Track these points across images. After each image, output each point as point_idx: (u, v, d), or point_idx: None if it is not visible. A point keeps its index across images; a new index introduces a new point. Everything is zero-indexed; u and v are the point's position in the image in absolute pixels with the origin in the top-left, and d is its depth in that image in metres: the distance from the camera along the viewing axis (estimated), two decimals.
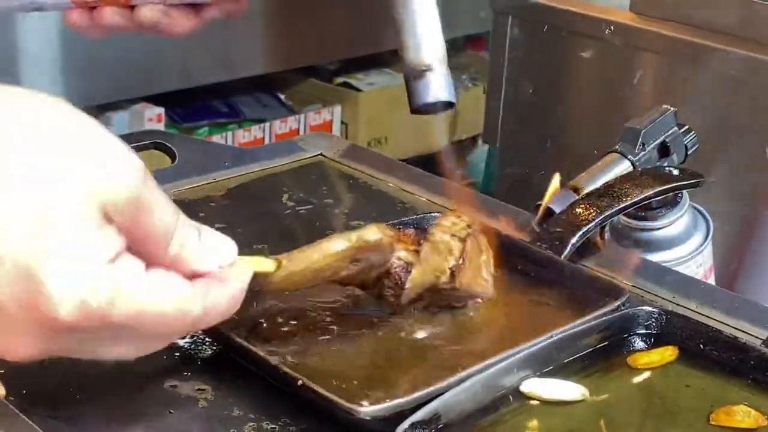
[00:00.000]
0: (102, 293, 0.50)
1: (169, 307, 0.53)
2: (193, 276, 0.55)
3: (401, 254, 0.68)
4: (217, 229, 0.86)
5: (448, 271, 0.70)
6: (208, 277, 0.56)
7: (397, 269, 0.68)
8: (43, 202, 0.50)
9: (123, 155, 0.53)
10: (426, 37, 0.72)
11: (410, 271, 0.68)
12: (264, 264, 0.63)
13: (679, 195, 0.90)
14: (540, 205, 0.84)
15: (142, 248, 0.53)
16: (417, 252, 0.69)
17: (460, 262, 0.70)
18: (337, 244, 0.65)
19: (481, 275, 0.72)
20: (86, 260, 0.50)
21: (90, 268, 0.50)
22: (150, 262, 0.54)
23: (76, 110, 0.54)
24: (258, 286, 0.62)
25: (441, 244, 0.70)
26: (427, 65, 0.72)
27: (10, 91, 0.53)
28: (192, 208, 0.90)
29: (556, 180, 0.85)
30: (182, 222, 0.56)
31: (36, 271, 0.49)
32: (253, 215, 0.90)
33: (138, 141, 1.02)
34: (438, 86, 0.72)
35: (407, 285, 0.68)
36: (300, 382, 0.62)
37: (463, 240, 0.70)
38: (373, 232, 0.66)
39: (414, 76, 0.72)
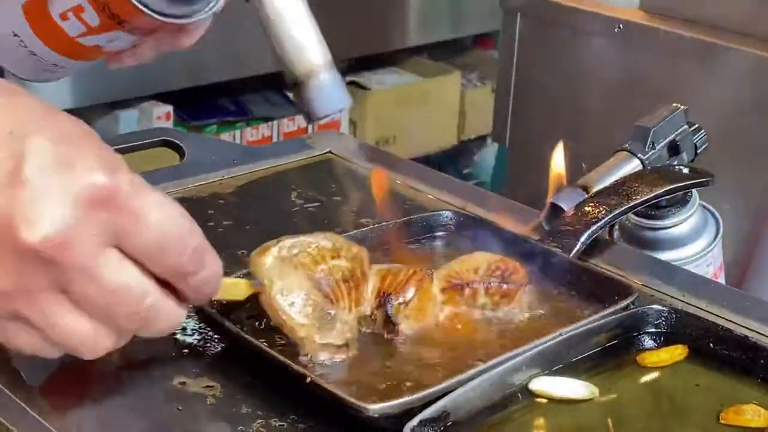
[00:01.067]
0: (125, 176, 0.55)
1: (172, 227, 0.57)
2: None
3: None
4: (225, 226, 0.87)
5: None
6: None
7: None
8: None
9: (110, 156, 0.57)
10: (293, 48, 0.69)
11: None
12: (239, 290, 0.66)
13: (689, 194, 0.89)
14: (550, 202, 0.84)
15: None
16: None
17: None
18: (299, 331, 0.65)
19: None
20: (110, 151, 0.56)
21: (113, 156, 0.56)
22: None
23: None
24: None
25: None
26: (297, 80, 0.68)
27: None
28: (200, 205, 0.91)
29: (558, 158, 0.85)
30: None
31: (71, 151, 0.55)
32: (261, 213, 0.90)
33: (147, 139, 1.02)
34: (315, 103, 0.69)
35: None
36: (309, 379, 0.62)
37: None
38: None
39: (293, 93, 0.69)
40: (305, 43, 0.69)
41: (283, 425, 0.62)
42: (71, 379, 0.66)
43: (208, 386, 0.65)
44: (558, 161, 0.85)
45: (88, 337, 0.57)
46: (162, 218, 0.56)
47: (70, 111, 2.13)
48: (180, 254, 0.57)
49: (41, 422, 0.61)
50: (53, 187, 0.53)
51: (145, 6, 0.67)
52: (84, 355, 0.58)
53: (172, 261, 0.57)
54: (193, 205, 0.91)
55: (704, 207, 0.91)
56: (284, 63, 0.69)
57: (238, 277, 0.69)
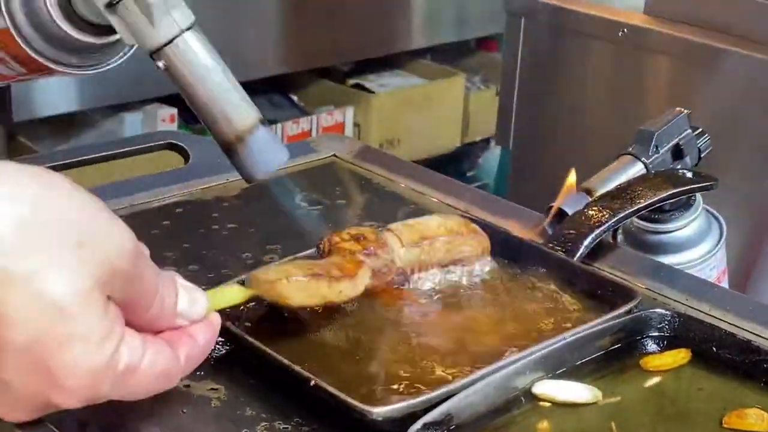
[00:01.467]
0: (106, 386, 0.55)
1: (160, 383, 0.59)
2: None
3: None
4: (230, 229, 0.87)
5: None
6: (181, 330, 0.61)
7: None
8: (50, 294, 0.53)
9: (118, 234, 0.56)
10: (219, 113, 0.66)
11: None
12: (235, 296, 0.66)
13: (693, 198, 0.89)
14: (552, 206, 0.84)
15: (128, 311, 0.57)
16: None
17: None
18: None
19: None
20: (95, 354, 0.54)
21: (98, 362, 0.55)
22: (132, 320, 0.58)
23: (71, 188, 0.55)
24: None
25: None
26: (230, 144, 0.66)
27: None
28: (205, 208, 0.91)
29: (572, 176, 0.85)
30: (161, 282, 0.59)
31: (50, 365, 0.54)
32: (265, 216, 0.91)
33: (152, 141, 1.02)
34: (252, 167, 0.67)
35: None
36: (313, 382, 0.62)
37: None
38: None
39: (228, 156, 0.67)
40: (231, 106, 0.67)
41: (287, 428, 0.62)
42: None
43: (212, 389, 0.66)
44: (571, 178, 0.85)
45: None
46: (148, 391, 0.59)
47: (76, 113, 2.13)
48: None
49: (46, 424, 0.61)
50: (30, 399, 0.55)
51: (42, 55, 0.68)
52: None
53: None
54: (198, 208, 0.91)
55: (708, 211, 0.92)
56: (212, 129, 0.67)
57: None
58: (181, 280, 0.61)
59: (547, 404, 0.65)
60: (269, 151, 0.67)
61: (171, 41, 0.65)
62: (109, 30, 0.67)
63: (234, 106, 0.67)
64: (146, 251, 0.59)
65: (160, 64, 0.66)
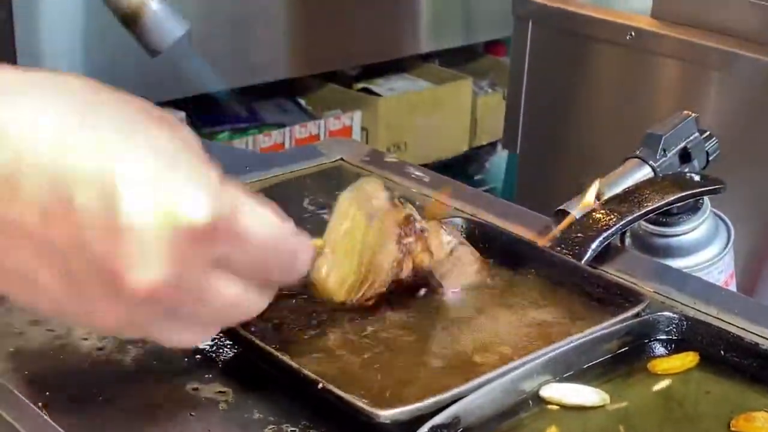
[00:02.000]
0: (226, 203, 0.53)
1: (281, 235, 0.58)
2: None
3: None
4: None
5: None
6: None
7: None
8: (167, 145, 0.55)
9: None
10: None
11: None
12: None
13: (700, 201, 0.89)
14: (561, 210, 0.84)
15: None
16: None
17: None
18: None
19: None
20: (209, 178, 0.53)
21: (213, 182, 0.53)
22: None
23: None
24: None
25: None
26: (129, 18, 0.68)
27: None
28: None
29: (592, 194, 0.84)
30: None
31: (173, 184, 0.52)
32: None
33: None
34: (152, 38, 0.69)
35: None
36: (320, 385, 0.63)
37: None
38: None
39: (129, 31, 0.69)
40: None
41: (294, 430, 0.63)
42: (83, 383, 0.66)
43: (220, 392, 0.66)
44: (590, 196, 0.84)
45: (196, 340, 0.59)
46: (262, 237, 0.56)
47: None
48: (278, 265, 0.58)
49: (54, 426, 0.61)
50: (154, 233, 0.50)
51: None
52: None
53: (272, 274, 0.58)
54: None
55: (716, 214, 0.91)
56: (112, 2, 0.69)
57: None
58: None
59: (555, 407, 0.65)
60: (165, 26, 0.71)
61: None
62: None
63: None
64: None
65: None
